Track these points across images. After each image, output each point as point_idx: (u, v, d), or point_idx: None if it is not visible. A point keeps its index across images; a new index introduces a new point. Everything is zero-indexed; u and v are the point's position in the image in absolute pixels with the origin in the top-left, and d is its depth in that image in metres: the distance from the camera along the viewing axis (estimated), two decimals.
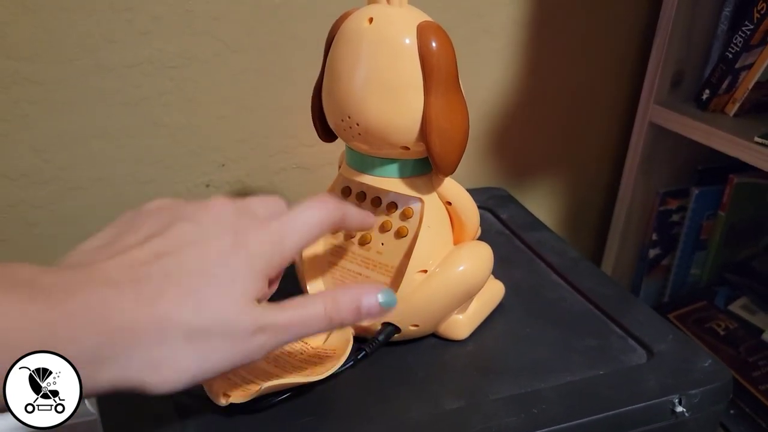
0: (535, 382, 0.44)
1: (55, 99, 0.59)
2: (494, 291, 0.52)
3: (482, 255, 0.46)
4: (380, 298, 0.35)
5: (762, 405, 0.70)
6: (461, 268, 0.45)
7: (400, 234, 0.45)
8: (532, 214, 0.69)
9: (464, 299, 0.46)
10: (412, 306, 0.44)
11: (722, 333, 0.79)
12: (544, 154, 0.84)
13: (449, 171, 0.43)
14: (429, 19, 0.42)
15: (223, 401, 0.38)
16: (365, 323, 0.38)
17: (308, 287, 0.48)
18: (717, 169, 0.83)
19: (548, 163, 0.85)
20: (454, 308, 0.46)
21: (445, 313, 0.46)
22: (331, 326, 0.34)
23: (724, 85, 0.72)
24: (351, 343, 0.43)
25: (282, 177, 0.70)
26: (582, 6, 0.76)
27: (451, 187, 0.46)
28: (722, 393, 0.44)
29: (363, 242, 0.46)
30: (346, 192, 0.48)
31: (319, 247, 0.49)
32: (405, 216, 0.45)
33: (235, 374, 0.41)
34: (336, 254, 0.48)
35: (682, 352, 0.47)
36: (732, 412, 0.70)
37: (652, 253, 0.87)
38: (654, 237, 0.86)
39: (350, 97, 0.41)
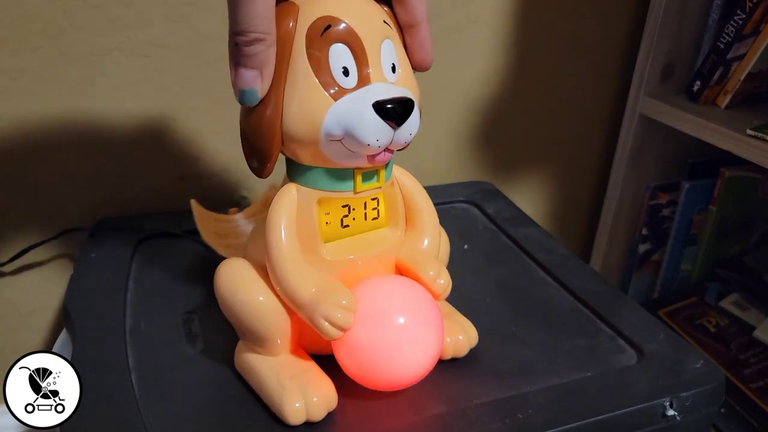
0: (521, 385, 0.42)
1: (18, 89, 0.56)
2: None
3: (239, 279, 0.39)
4: (249, 87, 0.34)
5: (753, 403, 0.68)
6: (221, 265, 0.41)
7: None
8: (519, 209, 0.68)
9: (223, 310, 0.41)
10: None
11: (713, 330, 0.77)
12: (531, 147, 0.82)
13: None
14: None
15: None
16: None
17: None
18: (708, 162, 0.81)
19: (536, 156, 0.83)
20: (226, 315, 0.42)
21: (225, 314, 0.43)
22: (231, 33, 0.33)
23: (716, 77, 0.70)
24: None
25: None
26: None
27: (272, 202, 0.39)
28: (715, 395, 0.43)
29: None
30: None
31: None
32: None
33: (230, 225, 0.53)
34: None
35: (674, 352, 0.45)
36: (723, 410, 0.69)
37: (642, 248, 0.86)
38: (644, 232, 0.85)
39: None
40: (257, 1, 0.31)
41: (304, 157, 0.37)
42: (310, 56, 0.35)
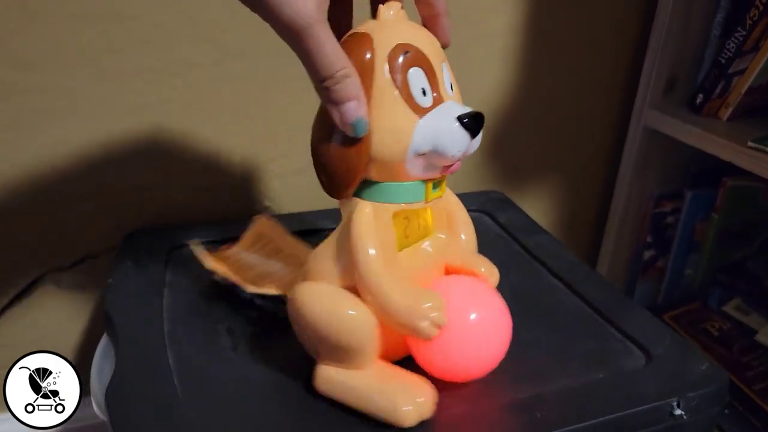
0: (537, 387, 0.44)
1: (58, 107, 0.59)
2: (386, 398, 0.40)
3: (344, 308, 0.39)
4: (356, 119, 0.36)
5: (756, 405, 0.71)
6: (315, 295, 0.40)
7: None
8: (529, 218, 0.70)
9: (313, 335, 0.41)
10: (290, 302, 0.43)
11: (716, 334, 0.80)
12: (540, 157, 0.85)
13: (324, 189, 0.40)
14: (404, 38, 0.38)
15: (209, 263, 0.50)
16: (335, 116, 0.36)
17: None
18: (710, 171, 0.84)
19: (544, 166, 0.86)
20: (309, 337, 0.42)
21: (304, 335, 0.43)
22: (322, 79, 0.35)
23: (718, 90, 0.73)
24: (273, 291, 0.48)
25: (282, 181, 0.71)
26: (577, 10, 0.76)
27: (349, 221, 0.40)
28: (719, 396, 0.45)
29: None
30: None
31: None
32: None
33: (245, 256, 0.53)
34: None
35: (680, 355, 0.48)
36: (726, 411, 0.71)
37: (647, 254, 0.88)
38: (648, 239, 0.87)
39: None
40: (326, 44, 0.34)
41: (381, 175, 0.39)
42: (394, 80, 0.37)
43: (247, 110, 0.66)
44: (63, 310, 0.67)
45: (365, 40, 0.37)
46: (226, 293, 0.54)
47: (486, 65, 0.75)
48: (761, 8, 0.67)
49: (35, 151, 0.60)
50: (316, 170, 0.39)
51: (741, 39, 0.69)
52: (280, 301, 0.46)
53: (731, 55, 0.70)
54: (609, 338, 0.51)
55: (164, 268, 0.57)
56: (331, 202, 0.68)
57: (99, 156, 0.62)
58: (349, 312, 0.39)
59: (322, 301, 0.40)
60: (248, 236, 0.56)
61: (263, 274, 0.51)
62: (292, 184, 0.71)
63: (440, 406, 0.42)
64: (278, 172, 0.70)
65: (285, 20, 0.33)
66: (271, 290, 0.48)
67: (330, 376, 0.42)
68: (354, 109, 0.36)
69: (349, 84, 0.35)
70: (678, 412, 0.43)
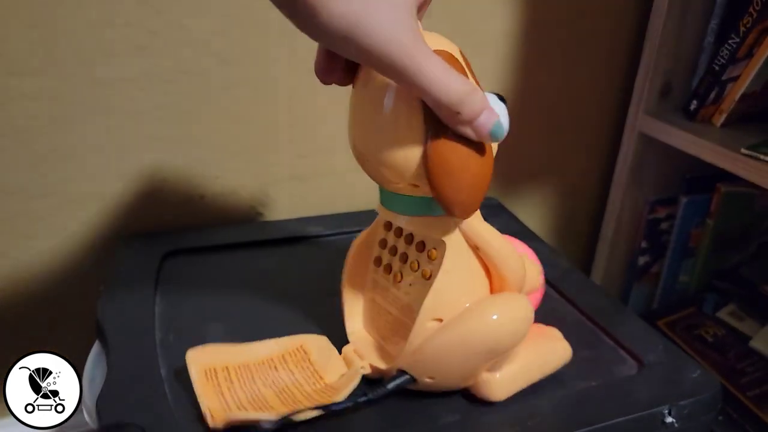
0: (531, 395, 0.44)
1: (52, 113, 0.59)
2: (549, 353, 0.46)
3: (511, 308, 0.41)
4: (493, 125, 0.35)
5: (750, 411, 0.71)
6: (480, 319, 0.40)
7: (424, 276, 0.41)
8: (523, 224, 0.70)
9: (487, 355, 0.41)
10: (425, 356, 0.41)
11: (711, 340, 0.80)
12: (535, 164, 0.85)
13: (460, 214, 0.37)
14: (444, 47, 0.38)
15: (210, 422, 0.38)
16: (470, 133, 0.35)
17: (346, 320, 0.47)
18: (705, 177, 0.84)
19: (539, 172, 0.86)
20: (476, 364, 0.41)
21: (467, 368, 0.41)
22: (451, 106, 0.33)
23: (712, 96, 0.73)
24: (355, 382, 0.42)
25: (277, 188, 0.71)
26: (571, 17, 0.77)
27: (479, 230, 0.41)
28: (712, 403, 0.46)
29: (396, 280, 0.43)
30: (387, 226, 0.45)
31: (359, 280, 0.47)
32: (429, 258, 0.41)
33: (232, 397, 0.41)
34: (375, 289, 0.46)
35: (672, 362, 0.48)
36: (720, 418, 0.71)
37: (642, 260, 0.88)
38: (643, 244, 0.87)
39: (352, 123, 0.40)
40: (441, 68, 0.33)
41: None
42: (476, 81, 0.39)
43: (241, 117, 0.66)
44: (54, 317, 0.67)
45: (447, 54, 0.36)
46: (216, 299, 0.54)
47: (480, 73, 0.74)
48: (755, 15, 0.67)
49: (28, 159, 0.60)
50: (447, 198, 0.36)
51: (735, 46, 0.70)
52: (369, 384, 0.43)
53: (725, 61, 0.71)
54: (602, 346, 0.51)
55: (157, 275, 0.57)
56: (325, 209, 0.70)
57: (92, 163, 0.62)
58: (515, 304, 0.41)
59: (516, 315, 0.41)
60: (198, 380, 0.42)
61: (288, 390, 0.43)
62: (286, 190, 0.71)
63: (429, 414, 0.42)
64: (272, 178, 0.70)
65: (390, 58, 0.31)
66: (357, 378, 0.43)
67: (512, 373, 0.43)
68: (487, 117, 0.35)
69: (476, 97, 0.34)
70: (669, 420, 0.43)
